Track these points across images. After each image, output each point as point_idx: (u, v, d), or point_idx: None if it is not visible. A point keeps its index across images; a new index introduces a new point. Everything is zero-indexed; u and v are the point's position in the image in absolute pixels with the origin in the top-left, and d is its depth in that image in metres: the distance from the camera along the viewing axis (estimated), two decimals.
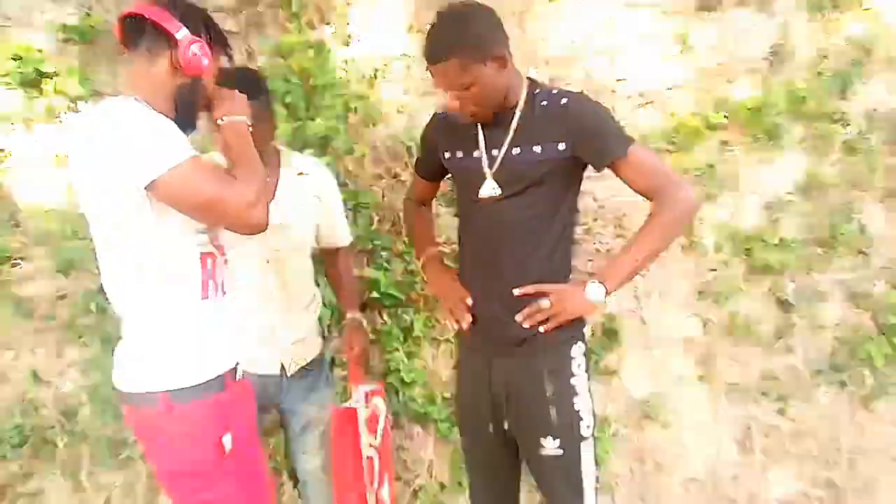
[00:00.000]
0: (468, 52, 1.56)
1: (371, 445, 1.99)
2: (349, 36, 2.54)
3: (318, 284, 2.26)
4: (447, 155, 1.84)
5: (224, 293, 1.56)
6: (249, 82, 1.88)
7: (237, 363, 1.57)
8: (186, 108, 1.49)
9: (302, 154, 2.24)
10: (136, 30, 1.42)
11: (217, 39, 1.51)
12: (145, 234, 1.40)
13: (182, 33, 1.41)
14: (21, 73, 2.38)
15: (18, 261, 2.48)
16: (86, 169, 1.40)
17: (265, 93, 1.93)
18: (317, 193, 2.08)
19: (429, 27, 1.62)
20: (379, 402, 2.06)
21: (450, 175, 1.91)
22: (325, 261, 2.25)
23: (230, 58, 1.55)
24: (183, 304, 1.46)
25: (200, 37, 1.45)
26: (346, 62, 2.54)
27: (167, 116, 1.43)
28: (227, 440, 1.45)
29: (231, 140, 1.51)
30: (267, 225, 1.46)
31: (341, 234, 2.19)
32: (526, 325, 1.72)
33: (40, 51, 2.41)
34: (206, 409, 1.44)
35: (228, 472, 1.46)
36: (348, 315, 2.15)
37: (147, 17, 1.41)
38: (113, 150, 1.33)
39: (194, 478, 1.46)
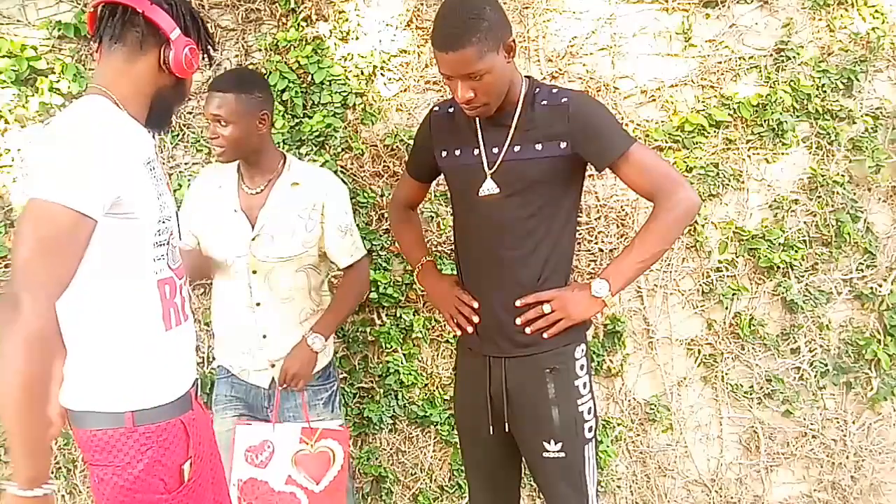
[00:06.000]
0: (485, 39, 1.54)
1: (298, 484, 1.90)
2: (347, 32, 2.52)
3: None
4: (444, 153, 1.81)
5: (186, 317, 1.44)
6: (240, 77, 1.91)
7: (196, 379, 1.48)
8: (163, 109, 1.41)
9: (308, 163, 2.17)
10: (123, 22, 1.33)
11: (205, 40, 1.44)
12: (89, 266, 1.25)
13: (176, 33, 1.34)
14: (15, 70, 2.36)
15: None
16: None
17: (258, 89, 1.91)
18: (311, 206, 1.97)
19: (440, 14, 1.59)
20: (335, 447, 1.91)
21: (443, 175, 1.88)
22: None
23: (210, 60, 1.46)
24: (143, 338, 1.33)
25: (191, 37, 1.38)
26: (345, 58, 2.52)
27: (139, 116, 1.35)
28: (187, 468, 1.37)
29: None
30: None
31: (339, 252, 2.03)
32: (528, 332, 1.72)
33: (34, 48, 2.39)
34: (173, 429, 1.36)
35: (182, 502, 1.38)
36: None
37: (138, 10, 1.32)
38: (35, 160, 1.23)
39: None
